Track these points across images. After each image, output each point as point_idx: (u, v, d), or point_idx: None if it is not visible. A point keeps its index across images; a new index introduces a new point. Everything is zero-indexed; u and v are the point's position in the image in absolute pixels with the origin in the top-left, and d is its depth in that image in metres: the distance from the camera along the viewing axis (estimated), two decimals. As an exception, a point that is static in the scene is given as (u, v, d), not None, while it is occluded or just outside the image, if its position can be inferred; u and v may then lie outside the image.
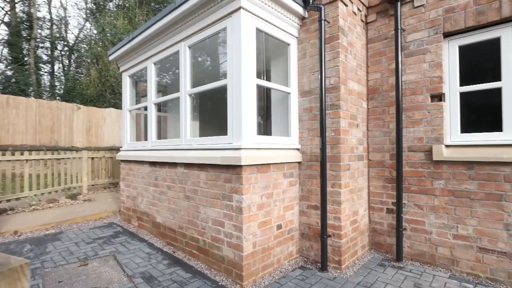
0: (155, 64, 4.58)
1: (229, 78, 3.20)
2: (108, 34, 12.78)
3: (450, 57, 3.49)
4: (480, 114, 3.53)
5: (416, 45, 3.64)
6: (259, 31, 3.33)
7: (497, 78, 3.21)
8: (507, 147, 3.10)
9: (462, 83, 3.44)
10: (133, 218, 5.01)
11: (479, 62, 3.38)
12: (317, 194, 3.59)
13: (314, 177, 3.63)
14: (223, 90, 3.46)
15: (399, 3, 3.67)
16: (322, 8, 3.44)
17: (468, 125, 3.48)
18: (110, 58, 5.39)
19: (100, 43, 13.67)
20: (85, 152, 7.38)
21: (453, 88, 3.47)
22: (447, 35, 3.47)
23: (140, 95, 6.18)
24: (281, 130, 3.96)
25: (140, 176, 4.81)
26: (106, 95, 13.30)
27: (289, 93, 3.74)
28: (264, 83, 3.41)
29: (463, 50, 3.44)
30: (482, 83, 3.30)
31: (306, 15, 3.69)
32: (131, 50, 4.88)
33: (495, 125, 3.24)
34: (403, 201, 3.70)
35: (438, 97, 3.51)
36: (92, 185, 7.57)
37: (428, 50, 3.56)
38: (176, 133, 6.28)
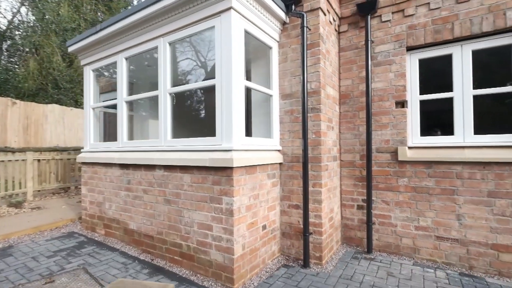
0: (126, 59, 4.28)
1: (218, 79, 3.16)
2: (51, 22, 11.41)
3: (412, 68, 3.93)
4: (436, 119, 4.05)
5: (383, 56, 4.02)
6: (246, 32, 3.35)
7: (450, 89, 3.72)
8: (458, 148, 3.61)
9: (421, 92, 3.91)
10: (98, 226, 4.61)
11: (436, 74, 3.88)
12: (298, 193, 3.74)
13: (295, 177, 3.77)
14: (204, 90, 3.40)
15: (369, 16, 4.01)
16: (305, 16, 3.60)
17: (427, 129, 3.96)
18: (70, 49, 4.88)
19: (39, 32, 12.14)
20: (30, 154, 6.52)
21: (414, 96, 3.92)
22: (410, 48, 3.91)
23: (100, 91, 5.70)
24: (262, 132, 4.03)
25: (107, 180, 4.45)
26: (48, 90, 11.86)
27: (271, 95, 3.83)
28: (251, 84, 3.44)
29: (422, 62, 3.91)
30: (438, 93, 3.80)
31: (288, 20, 3.82)
32: (97, 42, 4.48)
33: (449, 129, 3.75)
34: (372, 198, 4.06)
35: (402, 103, 3.93)
36: (39, 190, 6.72)
37: (394, 61, 3.96)
38: (144, 134, 5.94)
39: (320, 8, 3.61)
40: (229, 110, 3.07)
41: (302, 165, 3.64)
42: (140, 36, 3.97)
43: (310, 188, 3.62)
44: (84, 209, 4.90)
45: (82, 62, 4.99)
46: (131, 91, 5.63)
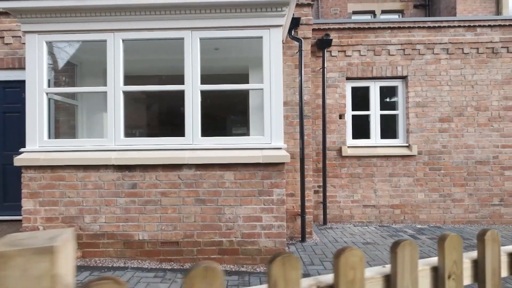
0: (124, 41, 3.57)
1: (266, 84, 3.55)
2: None
3: (347, 92, 5.70)
4: (360, 128, 5.97)
5: (332, 81, 5.57)
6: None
7: (368, 109, 5.73)
8: (373, 147, 5.65)
9: (353, 109, 5.74)
10: None
11: (361, 98, 5.80)
12: (293, 184, 4.59)
13: (290, 171, 4.60)
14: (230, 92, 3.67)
15: (325, 50, 5.44)
16: (302, 41, 4.53)
17: (355, 134, 5.82)
18: (4, 5, 3.32)
19: None
20: None
21: (349, 111, 5.70)
22: (348, 78, 5.65)
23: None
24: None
25: (89, 187, 3.47)
26: None
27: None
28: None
29: (354, 89, 5.75)
30: (361, 110, 5.74)
31: (284, 41, 4.60)
32: (71, 9, 3.41)
33: (367, 135, 5.75)
34: (327, 183, 5.50)
35: (343, 116, 5.62)
36: None
37: (338, 86, 5.59)
38: (99, 130, 4.75)
39: (310, 37, 4.65)
40: (278, 113, 3.55)
41: (300, 161, 4.53)
42: (155, 21, 3.53)
43: (313, 178, 4.58)
44: (32, 229, 3.48)
45: (27, 28, 3.51)
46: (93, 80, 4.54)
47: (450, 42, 5.57)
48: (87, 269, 3.26)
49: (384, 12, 12.05)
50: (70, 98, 4.70)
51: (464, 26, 5.58)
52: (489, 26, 5.57)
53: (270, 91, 3.54)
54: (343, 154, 5.51)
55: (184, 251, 3.52)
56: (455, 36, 5.58)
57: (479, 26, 5.58)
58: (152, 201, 3.52)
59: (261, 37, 3.57)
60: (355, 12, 11.97)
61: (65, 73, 4.70)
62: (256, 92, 4.66)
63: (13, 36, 4.77)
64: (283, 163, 3.50)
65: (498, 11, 10.22)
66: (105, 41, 3.59)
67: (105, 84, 4.84)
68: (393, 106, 5.88)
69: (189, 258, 3.52)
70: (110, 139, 3.56)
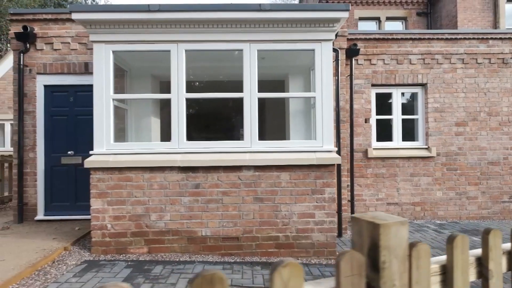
0: (187, 51, 3.84)
1: (318, 93, 3.89)
2: None
3: (372, 98, 6.10)
4: (384, 131, 6.36)
5: (358, 87, 5.96)
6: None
7: (390, 113, 6.14)
8: (395, 149, 6.07)
9: (377, 113, 6.15)
10: (134, 244, 3.70)
11: (384, 103, 6.21)
12: (330, 184, 4.94)
13: (327, 171, 4.94)
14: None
15: (353, 58, 5.82)
16: (339, 51, 4.89)
17: (379, 137, 6.21)
18: (78, 16, 3.55)
19: None
20: None
21: (373, 116, 6.10)
22: (373, 85, 6.05)
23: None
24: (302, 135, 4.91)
25: (156, 187, 3.73)
26: None
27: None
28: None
29: (378, 95, 6.15)
30: (385, 115, 6.15)
31: (322, 51, 4.95)
32: (138, 21, 3.67)
33: (390, 137, 6.17)
34: (354, 183, 5.88)
35: (368, 120, 6.01)
36: None
37: (364, 92, 5.98)
38: (146, 133, 4.98)
39: (345, 48, 5.03)
40: (328, 119, 3.90)
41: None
42: (216, 33, 3.82)
43: (343, 178, 4.94)
44: (100, 228, 3.71)
45: (95, 38, 3.74)
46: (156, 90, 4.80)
47: (465, 53, 6.04)
48: (158, 263, 3.53)
49: (388, 19, 12.56)
50: (121, 102, 4.93)
51: (478, 38, 6.06)
52: (500, 38, 6.07)
53: (321, 99, 3.88)
54: (369, 155, 5.91)
55: (244, 245, 3.82)
56: (470, 47, 6.06)
57: (491, 38, 6.07)
58: (214, 200, 3.81)
59: (313, 50, 3.91)
60: (361, 19, 12.44)
61: (115, 79, 4.91)
62: (295, 98, 5.01)
63: (62, 42, 4.96)
64: (333, 165, 3.85)
65: (496, 20, 10.84)
66: (168, 51, 3.86)
67: (153, 89, 5.11)
68: (411, 110, 6.32)
69: (249, 252, 3.83)
70: (174, 142, 3.83)
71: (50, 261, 3.44)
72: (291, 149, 3.86)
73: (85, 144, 5.01)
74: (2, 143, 11.59)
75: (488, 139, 6.07)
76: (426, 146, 6.09)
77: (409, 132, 6.27)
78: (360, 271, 0.77)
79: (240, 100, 3.95)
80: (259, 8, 3.67)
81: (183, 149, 3.83)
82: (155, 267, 3.43)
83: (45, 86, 4.99)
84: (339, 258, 0.75)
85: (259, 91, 3.88)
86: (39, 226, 4.68)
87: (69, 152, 4.98)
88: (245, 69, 3.86)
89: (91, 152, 3.81)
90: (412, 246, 0.85)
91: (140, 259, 3.65)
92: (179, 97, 3.85)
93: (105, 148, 3.80)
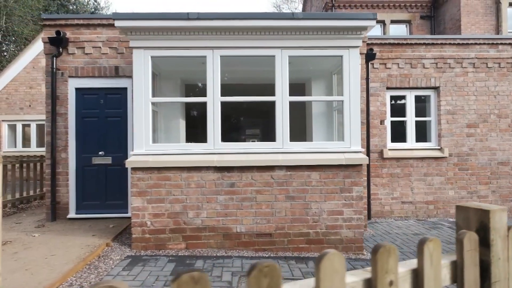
0: (222, 57, 4.04)
1: (346, 96, 4.11)
2: None
3: (387, 100, 6.33)
4: (398, 132, 6.61)
5: (374, 90, 6.19)
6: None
7: (404, 115, 6.39)
8: (409, 150, 6.31)
9: (391, 115, 6.38)
10: (172, 240, 3.89)
11: (398, 106, 6.45)
12: (351, 183, 5.16)
13: (348, 171, 5.16)
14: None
15: (369, 63, 6.05)
16: (359, 56, 5.11)
17: (393, 138, 6.45)
18: (120, 24, 3.74)
19: None
20: None
21: (388, 117, 6.33)
22: (388, 88, 6.29)
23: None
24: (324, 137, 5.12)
25: (192, 186, 3.93)
26: None
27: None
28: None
29: (392, 97, 6.39)
30: (399, 117, 6.39)
31: (343, 56, 5.17)
32: (176, 28, 3.86)
33: (404, 138, 6.41)
34: (370, 182, 6.11)
35: (383, 121, 6.25)
36: None
37: (379, 95, 6.22)
38: (175, 134, 5.17)
39: (364, 53, 5.25)
40: (356, 121, 4.12)
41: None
42: (248, 40, 4.03)
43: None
44: (140, 225, 3.90)
45: (135, 44, 3.93)
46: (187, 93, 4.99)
47: (476, 57, 6.30)
48: (198, 258, 3.72)
49: (393, 22, 12.82)
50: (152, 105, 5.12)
51: (488, 44, 6.32)
52: (509, 44, 6.33)
53: (349, 102, 4.10)
54: (384, 156, 6.14)
55: (276, 241, 4.03)
56: (481, 52, 6.31)
57: (501, 43, 6.33)
58: (248, 198, 4.02)
59: (341, 56, 4.13)
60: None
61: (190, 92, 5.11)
62: (317, 101, 5.23)
63: (93, 47, 5.14)
64: (361, 165, 4.07)
65: (498, 24, 11.12)
66: (204, 57, 4.06)
67: (180, 92, 5.30)
68: (423, 112, 6.56)
69: (281, 247, 4.03)
70: (210, 143, 4.03)
71: (97, 256, 3.63)
72: (320, 149, 4.07)
73: (115, 145, 5.19)
74: (13, 143, 11.70)
75: (497, 140, 6.33)
76: (439, 147, 6.34)
77: (421, 133, 6.51)
78: (476, 247, 0.98)
79: (271, 103, 4.16)
80: (292, 16, 3.88)
81: (219, 150, 4.03)
82: (196, 261, 3.63)
83: (76, 89, 5.16)
84: (461, 236, 0.96)
85: (275, 95, 4.09)
86: (72, 224, 4.85)
87: (100, 153, 5.15)
88: (277, 74, 4.07)
89: (131, 152, 4.00)
90: (509, 228, 1.07)
91: (180, 254, 3.85)
92: (214, 100, 4.05)
93: (144, 149, 3.99)
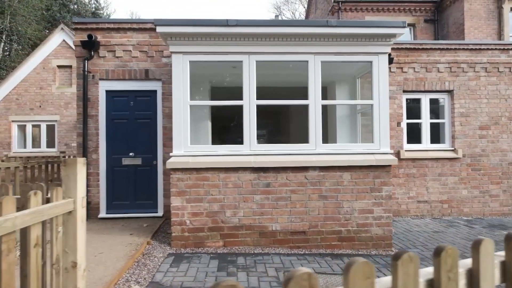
0: (257, 62, 4.20)
1: (375, 100, 4.30)
2: None
3: (403, 103, 6.55)
4: (413, 134, 6.83)
5: (391, 93, 6.39)
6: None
7: (419, 117, 6.61)
8: (425, 151, 6.53)
9: (407, 117, 6.60)
10: (210, 238, 4.04)
11: (413, 108, 6.67)
12: (373, 183, 5.36)
13: (370, 172, 5.36)
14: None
15: (389, 67, 6.25)
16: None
17: (410, 139, 6.67)
18: (162, 29, 3.88)
19: None
20: None
21: (404, 120, 6.55)
22: (404, 91, 6.51)
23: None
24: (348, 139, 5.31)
25: (230, 186, 4.08)
26: None
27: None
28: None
29: (408, 100, 6.61)
30: (414, 119, 6.62)
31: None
32: (215, 34, 4.02)
33: (419, 140, 6.63)
34: (388, 183, 6.31)
35: (400, 123, 6.46)
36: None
37: (396, 97, 6.43)
38: (203, 136, 5.31)
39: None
40: (385, 124, 4.31)
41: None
42: (282, 46, 4.19)
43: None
44: (179, 223, 4.04)
45: (174, 49, 4.07)
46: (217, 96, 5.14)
47: (488, 62, 6.55)
48: (237, 255, 3.88)
49: (398, 25, 13.05)
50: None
51: (500, 49, 6.57)
52: (520, 49, 6.59)
53: (378, 106, 4.30)
54: (401, 156, 6.35)
55: (310, 239, 4.20)
56: (492, 57, 6.57)
57: (511, 49, 6.59)
58: (283, 198, 4.18)
59: (370, 62, 4.32)
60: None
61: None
62: (341, 105, 5.42)
63: (123, 50, 5.27)
64: (390, 165, 4.26)
65: (500, 28, 11.43)
66: (240, 62, 4.22)
67: (209, 96, 5.47)
68: (436, 114, 6.79)
69: (314, 245, 4.21)
70: (246, 145, 4.19)
71: (141, 254, 3.76)
72: (351, 151, 4.26)
73: (145, 146, 5.32)
74: (23, 144, 11.71)
75: (508, 142, 6.58)
76: (453, 148, 6.57)
77: (435, 135, 6.74)
78: None
79: (300, 106, 4.33)
80: (326, 24, 4.06)
81: (254, 151, 4.19)
82: (237, 258, 3.78)
83: (107, 91, 5.28)
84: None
85: (308, 98, 4.26)
86: (105, 223, 4.97)
87: (130, 154, 5.28)
88: (310, 79, 4.24)
89: (171, 154, 4.14)
90: None
91: (219, 251, 4.00)
92: (250, 103, 4.21)
93: (183, 150, 4.14)
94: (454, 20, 11.87)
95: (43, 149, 11.51)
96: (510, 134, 6.59)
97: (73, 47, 11.55)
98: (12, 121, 11.39)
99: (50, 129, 11.59)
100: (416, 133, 6.66)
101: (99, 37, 5.22)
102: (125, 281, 3.06)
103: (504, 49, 6.58)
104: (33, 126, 11.61)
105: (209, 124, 5.82)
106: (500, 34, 11.31)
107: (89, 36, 5.05)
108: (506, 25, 11.47)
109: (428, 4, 12.85)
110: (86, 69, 5.14)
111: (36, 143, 11.84)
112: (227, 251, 4.05)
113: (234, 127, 8.03)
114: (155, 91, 5.34)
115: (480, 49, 6.53)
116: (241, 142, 4.21)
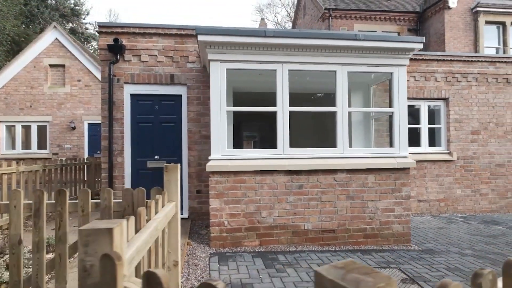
0: (290, 71, 4.46)
1: (395, 108, 4.71)
2: None
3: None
4: (412, 137, 7.39)
5: (395, 100, 6.90)
6: (392, 79, 5.07)
7: (418, 122, 7.18)
8: (424, 154, 7.10)
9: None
10: (247, 238, 4.23)
11: (413, 113, 7.23)
12: (385, 183, 5.80)
13: (382, 173, 5.79)
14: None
15: (392, 75, 6.75)
16: (393, 72, 5.77)
17: (410, 143, 7.20)
18: (202, 38, 4.02)
19: None
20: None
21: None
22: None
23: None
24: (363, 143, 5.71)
25: (266, 188, 4.30)
26: None
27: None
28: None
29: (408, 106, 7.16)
30: (412, 124, 7.17)
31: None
32: (251, 44, 4.23)
33: (418, 143, 7.19)
34: (393, 183, 6.79)
35: (402, 128, 6.98)
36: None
37: (399, 104, 6.94)
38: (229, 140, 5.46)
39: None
40: (405, 130, 4.73)
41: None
42: (313, 56, 4.49)
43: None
44: (218, 224, 4.19)
45: (212, 57, 4.22)
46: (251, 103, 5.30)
47: (478, 73, 7.24)
48: (276, 253, 4.11)
49: (384, 32, 13.85)
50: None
51: (488, 61, 7.29)
52: (505, 62, 7.35)
53: (398, 114, 4.71)
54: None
55: (339, 236, 4.52)
56: (482, 68, 7.27)
57: (498, 61, 7.33)
58: (314, 198, 4.47)
59: (391, 73, 4.73)
60: (360, 31, 13.67)
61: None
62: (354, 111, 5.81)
63: (149, 55, 5.33)
64: (409, 168, 4.68)
65: (476, 39, 12.43)
66: (274, 70, 4.46)
67: (233, 102, 5.67)
68: (432, 120, 7.41)
69: (342, 242, 4.53)
70: (279, 149, 4.44)
71: (186, 254, 3.90)
72: (375, 154, 4.64)
73: (169, 150, 5.41)
74: (10, 145, 11.16)
75: (495, 146, 7.31)
76: (448, 151, 7.20)
77: (431, 139, 7.34)
78: None
79: (330, 113, 4.65)
80: (354, 37, 4.41)
81: (287, 155, 4.45)
82: (277, 256, 4.02)
83: (132, 95, 5.32)
84: None
85: (336, 105, 4.60)
86: (132, 226, 5.00)
87: (155, 157, 5.34)
88: (338, 88, 4.57)
89: (209, 157, 4.30)
90: None
91: (256, 250, 4.21)
92: (284, 110, 4.46)
93: (220, 154, 4.31)
94: (435, 30, 12.76)
95: (34, 151, 11.06)
96: (497, 138, 7.32)
97: (67, 46, 11.28)
98: (0, 121, 10.83)
99: (41, 130, 11.15)
100: (414, 137, 7.22)
101: (124, 41, 5.25)
102: (185, 280, 3.20)
103: (491, 61, 7.31)
104: (23, 127, 11.11)
105: (231, 128, 5.99)
106: (475, 44, 12.31)
107: (115, 40, 5.07)
108: (481, 37, 12.51)
109: (411, 15, 13.72)
110: (111, 72, 5.15)
111: (25, 144, 11.33)
112: (264, 249, 4.27)
113: (253, 131, 8.29)
114: (179, 96, 5.44)
115: (471, 60, 7.21)
116: (258, 147, 4.46)
